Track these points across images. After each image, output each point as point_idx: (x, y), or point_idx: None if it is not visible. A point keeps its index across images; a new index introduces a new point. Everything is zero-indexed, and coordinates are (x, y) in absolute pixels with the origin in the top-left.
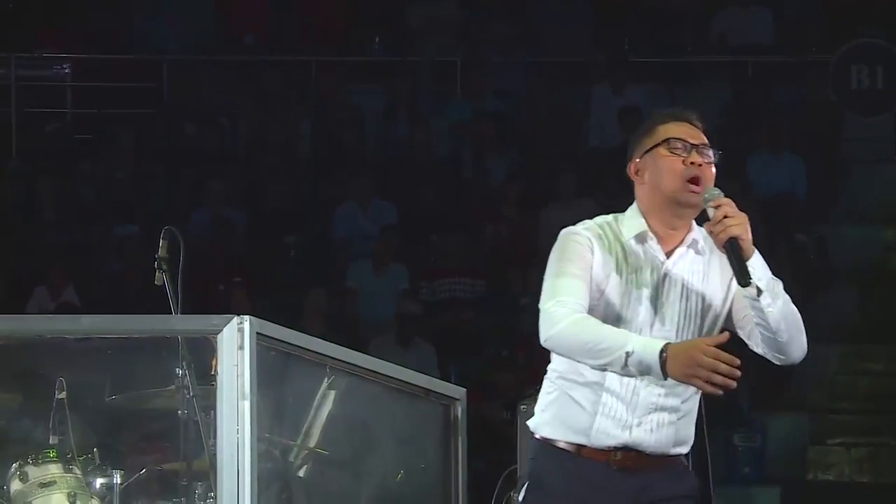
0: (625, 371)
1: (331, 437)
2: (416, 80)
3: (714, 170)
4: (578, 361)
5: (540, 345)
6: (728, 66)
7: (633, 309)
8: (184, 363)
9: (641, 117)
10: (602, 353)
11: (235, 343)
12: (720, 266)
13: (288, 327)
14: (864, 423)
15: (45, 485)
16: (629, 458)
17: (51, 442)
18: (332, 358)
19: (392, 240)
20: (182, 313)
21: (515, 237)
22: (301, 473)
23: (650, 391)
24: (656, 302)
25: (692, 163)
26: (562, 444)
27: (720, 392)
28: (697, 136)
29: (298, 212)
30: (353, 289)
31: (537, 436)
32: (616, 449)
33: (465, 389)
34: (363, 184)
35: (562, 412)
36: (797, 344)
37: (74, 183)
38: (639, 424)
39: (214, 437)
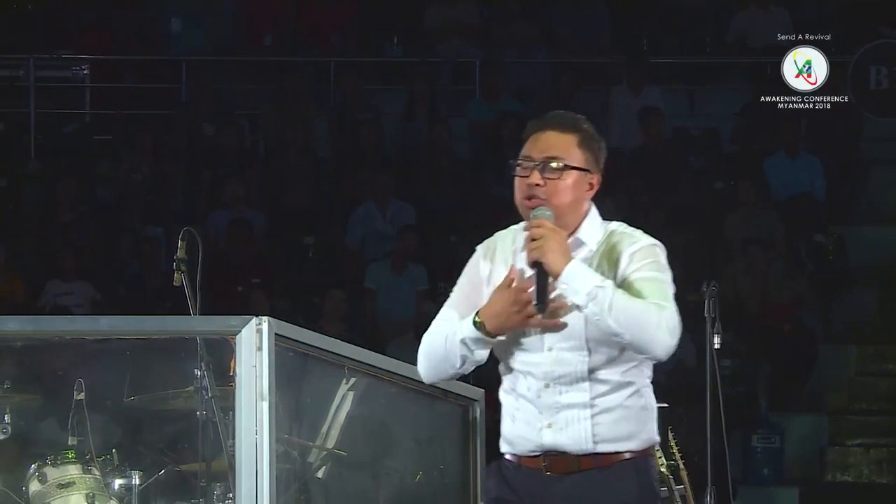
0: (477, 356)
1: (349, 438)
2: (434, 80)
3: (569, 179)
4: (451, 374)
5: None
6: (747, 66)
7: None
8: (202, 364)
9: (661, 118)
10: (450, 355)
11: (254, 344)
12: (605, 263)
13: (306, 328)
14: (883, 423)
15: (63, 486)
16: (556, 462)
17: (69, 443)
18: (351, 359)
19: (411, 240)
20: (201, 314)
21: None
22: (319, 474)
23: (550, 391)
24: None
25: (528, 184)
26: (508, 457)
27: (555, 323)
28: (546, 149)
29: (317, 212)
30: (371, 289)
31: None
32: (543, 454)
33: (483, 390)
34: (382, 184)
35: (502, 426)
36: (643, 342)
37: (93, 184)
38: (549, 426)
39: (233, 438)
